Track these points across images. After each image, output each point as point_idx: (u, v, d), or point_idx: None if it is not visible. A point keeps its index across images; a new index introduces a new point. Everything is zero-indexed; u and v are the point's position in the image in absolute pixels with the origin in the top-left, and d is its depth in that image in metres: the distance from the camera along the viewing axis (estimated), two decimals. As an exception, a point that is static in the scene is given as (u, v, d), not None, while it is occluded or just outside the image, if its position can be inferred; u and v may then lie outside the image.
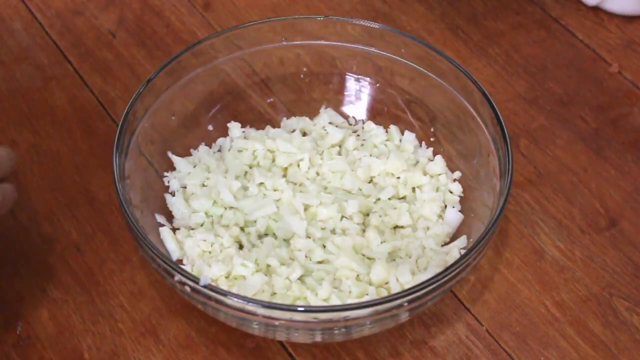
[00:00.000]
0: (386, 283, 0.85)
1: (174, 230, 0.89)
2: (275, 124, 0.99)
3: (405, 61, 0.95)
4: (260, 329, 0.80)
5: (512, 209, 0.95)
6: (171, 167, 0.93)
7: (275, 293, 0.84)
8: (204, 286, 0.77)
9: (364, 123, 0.99)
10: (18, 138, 1.01)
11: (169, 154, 0.93)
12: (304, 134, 0.97)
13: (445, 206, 0.92)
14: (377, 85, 0.98)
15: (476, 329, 0.87)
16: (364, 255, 0.87)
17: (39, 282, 0.89)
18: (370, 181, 0.94)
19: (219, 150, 0.96)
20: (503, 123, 0.87)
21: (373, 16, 1.14)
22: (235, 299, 0.76)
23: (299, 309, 0.78)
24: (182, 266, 0.85)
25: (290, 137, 0.96)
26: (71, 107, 1.04)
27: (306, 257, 0.87)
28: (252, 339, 0.85)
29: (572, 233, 0.94)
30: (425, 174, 0.94)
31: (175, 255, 0.87)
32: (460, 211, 0.92)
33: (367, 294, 0.83)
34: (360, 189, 0.93)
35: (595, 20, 1.14)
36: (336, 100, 0.99)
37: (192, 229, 0.90)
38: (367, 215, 0.91)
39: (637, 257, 0.92)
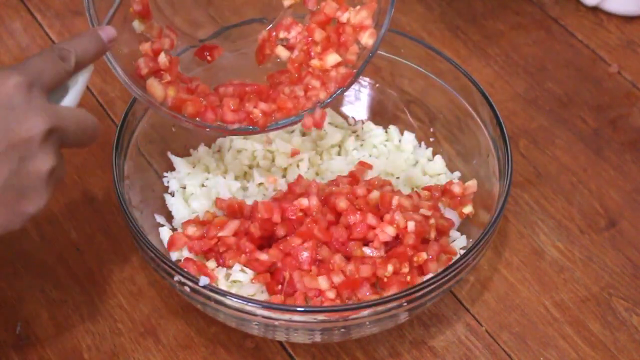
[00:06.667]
0: (385, 283, 0.85)
1: (174, 230, 0.89)
2: (275, 124, 0.99)
3: (405, 61, 0.95)
4: (259, 329, 0.80)
5: (511, 209, 0.95)
6: (171, 167, 0.93)
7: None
8: (204, 286, 0.77)
9: (363, 123, 0.99)
10: (18, 138, 1.01)
11: (169, 154, 0.93)
12: (304, 134, 0.97)
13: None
14: (377, 85, 0.98)
15: (475, 329, 0.87)
16: (363, 255, 0.87)
17: (38, 283, 0.89)
18: (370, 181, 0.94)
19: (219, 151, 0.96)
20: (502, 123, 0.87)
21: (373, 16, 1.14)
22: (235, 299, 0.76)
23: (299, 309, 0.78)
24: (181, 266, 0.85)
25: (289, 137, 0.96)
26: (71, 107, 1.04)
27: (306, 257, 0.87)
28: (251, 339, 0.85)
29: (571, 233, 0.94)
30: (424, 174, 0.94)
31: (175, 255, 0.87)
32: (459, 211, 0.92)
33: (366, 294, 0.84)
34: (359, 189, 0.93)
35: (594, 20, 1.14)
36: (336, 100, 0.99)
37: (192, 229, 0.90)
38: (367, 215, 0.91)
39: (637, 257, 0.92)
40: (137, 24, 0.83)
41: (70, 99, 0.73)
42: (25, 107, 0.66)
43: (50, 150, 0.68)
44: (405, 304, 0.77)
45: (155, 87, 0.82)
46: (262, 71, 0.89)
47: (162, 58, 0.83)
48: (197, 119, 0.83)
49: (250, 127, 0.84)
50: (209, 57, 0.89)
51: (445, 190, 0.90)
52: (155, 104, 0.82)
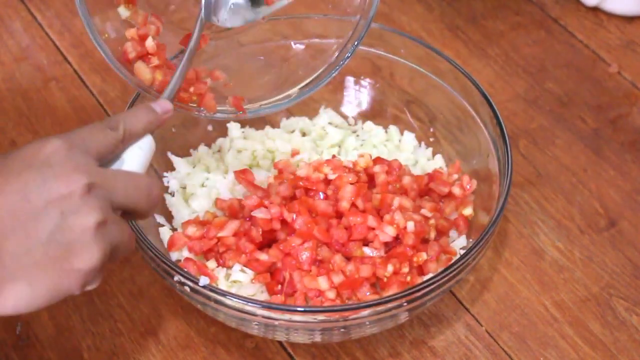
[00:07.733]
0: (386, 283, 0.85)
1: (174, 230, 0.89)
2: (275, 124, 0.99)
3: (405, 61, 0.95)
4: (259, 329, 0.80)
5: (511, 210, 0.95)
6: (170, 167, 0.93)
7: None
8: (204, 286, 0.77)
9: (363, 123, 0.99)
10: (18, 138, 1.01)
11: (169, 154, 0.93)
12: (304, 134, 0.97)
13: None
14: (377, 85, 0.98)
15: (475, 329, 0.87)
16: (363, 255, 0.87)
17: (38, 282, 0.89)
18: (370, 181, 0.94)
19: (219, 151, 0.96)
20: (502, 123, 0.87)
21: (373, 16, 1.14)
22: (235, 299, 0.76)
23: (299, 309, 0.78)
24: (181, 266, 0.85)
25: (289, 137, 0.96)
26: (71, 107, 1.04)
27: (306, 257, 0.87)
28: (251, 339, 0.85)
29: (571, 233, 0.94)
30: (424, 174, 0.94)
31: (174, 256, 0.87)
32: (459, 211, 0.92)
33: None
34: (359, 189, 0.93)
35: (594, 20, 1.15)
36: (336, 100, 0.99)
37: (192, 229, 0.90)
38: (367, 215, 0.91)
39: (636, 257, 0.92)
40: (122, 10, 0.83)
41: (127, 169, 0.71)
42: (64, 164, 0.65)
43: (94, 204, 0.64)
44: (405, 304, 0.77)
45: (143, 70, 0.82)
46: (247, 56, 0.89)
47: (150, 42, 0.83)
48: (190, 104, 0.83)
49: (240, 112, 0.84)
50: None
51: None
52: (144, 87, 0.82)
